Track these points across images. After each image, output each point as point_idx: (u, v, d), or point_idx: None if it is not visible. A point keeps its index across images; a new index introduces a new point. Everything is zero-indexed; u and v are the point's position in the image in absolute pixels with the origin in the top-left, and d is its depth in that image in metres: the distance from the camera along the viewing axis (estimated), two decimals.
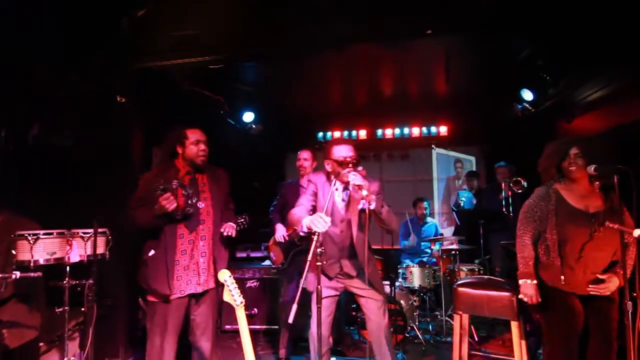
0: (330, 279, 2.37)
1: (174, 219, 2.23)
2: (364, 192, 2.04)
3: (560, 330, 2.10)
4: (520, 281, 2.17)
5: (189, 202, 2.25)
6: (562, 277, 2.06)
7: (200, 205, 2.33)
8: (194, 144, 2.35)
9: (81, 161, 3.15)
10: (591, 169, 1.95)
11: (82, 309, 2.21)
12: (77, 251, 2.07)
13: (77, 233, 2.09)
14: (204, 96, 4.28)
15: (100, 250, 2.18)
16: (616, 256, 2.01)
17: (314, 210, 2.36)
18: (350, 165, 2.22)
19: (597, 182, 2.10)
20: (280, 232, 3.23)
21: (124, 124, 3.41)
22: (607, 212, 2.02)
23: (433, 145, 6.21)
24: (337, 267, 2.37)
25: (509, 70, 4.21)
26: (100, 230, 2.16)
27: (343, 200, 2.37)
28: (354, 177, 2.10)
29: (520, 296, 2.18)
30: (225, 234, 2.37)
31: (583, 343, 2.11)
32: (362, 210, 2.24)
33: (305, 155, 3.32)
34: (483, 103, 5.22)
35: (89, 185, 3.10)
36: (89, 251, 2.12)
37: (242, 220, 2.59)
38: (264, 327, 3.93)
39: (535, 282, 2.13)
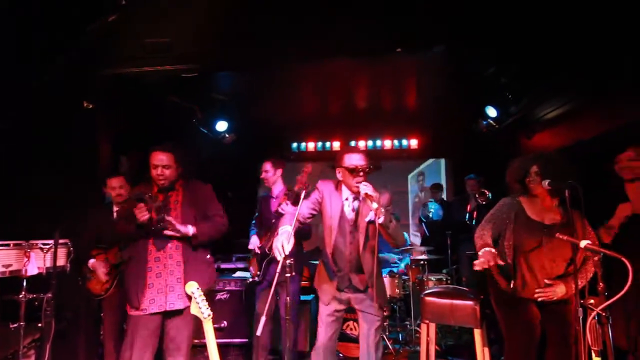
0: (340, 290, 2.34)
1: (150, 232, 2.24)
2: (375, 205, 2.00)
3: (518, 335, 2.19)
4: (480, 252, 2.18)
5: (161, 214, 2.24)
6: (512, 282, 2.16)
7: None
8: (153, 167, 2.34)
9: (43, 169, 3.02)
10: (545, 183, 2.08)
11: (39, 325, 2.10)
12: (36, 263, 1.98)
13: (36, 244, 2.02)
14: (176, 104, 4.23)
15: (61, 262, 2.10)
16: (572, 268, 2.14)
17: (311, 217, 2.36)
18: (362, 174, 2.18)
19: (557, 197, 2.23)
20: (253, 243, 3.21)
21: (91, 131, 3.31)
22: (563, 225, 2.15)
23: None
24: (347, 280, 2.33)
25: (475, 88, 4.42)
26: (61, 241, 2.09)
27: (353, 210, 2.31)
28: (365, 188, 2.06)
29: (475, 263, 2.11)
30: (167, 232, 2.29)
31: (541, 348, 2.21)
32: (370, 222, 2.22)
33: (267, 167, 3.30)
34: (452, 118, 5.44)
35: (50, 194, 2.97)
36: (49, 263, 2.03)
37: None
38: (234, 340, 3.85)
39: (493, 250, 2.16)
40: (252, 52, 3.37)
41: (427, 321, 2.70)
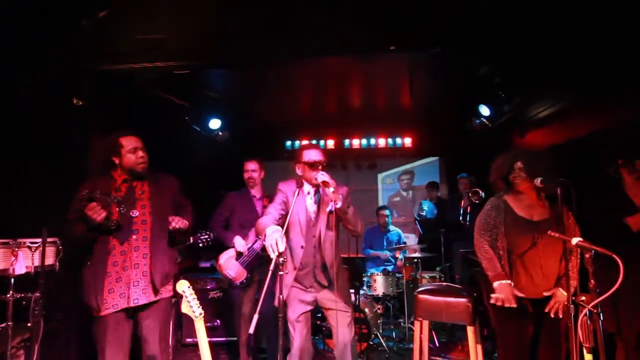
0: (306, 289, 2.36)
1: (107, 231, 2.14)
2: (331, 189, 2.10)
3: (511, 333, 2.21)
4: (495, 284, 2.16)
5: (120, 210, 2.14)
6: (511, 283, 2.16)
7: (134, 213, 2.22)
8: (131, 152, 2.26)
9: (31, 166, 2.97)
10: (537, 181, 2.09)
11: (28, 325, 2.06)
12: (23, 262, 1.95)
13: (24, 243, 1.98)
14: (169, 101, 4.19)
15: (50, 261, 2.06)
16: (563, 264, 2.16)
17: (283, 219, 2.35)
18: (320, 167, 2.29)
19: (543, 193, 2.25)
20: (241, 244, 3.06)
21: (81, 128, 3.25)
22: (552, 221, 2.17)
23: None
24: (312, 277, 2.36)
25: (469, 87, 4.44)
26: (49, 239, 2.05)
27: (315, 203, 2.40)
28: (322, 176, 2.17)
29: (493, 299, 2.14)
30: (175, 226, 2.32)
31: (533, 345, 2.22)
32: (330, 212, 2.32)
33: (252, 166, 3.23)
34: (445, 117, 5.46)
35: (39, 191, 2.92)
36: (37, 262, 1.99)
37: (206, 237, 2.53)
38: (227, 339, 3.83)
39: (509, 281, 2.15)
40: (246, 50, 3.34)
41: (421, 319, 2.71)
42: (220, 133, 4.99)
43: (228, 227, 3.21)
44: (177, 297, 2.11)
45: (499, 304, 2.13)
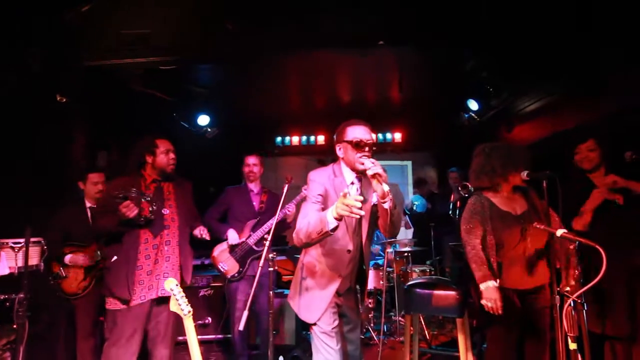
0: (339, 295, 1.97)
1: (137, 226, 2.27)
2: (386, 187, 1.70)
3: (499, 324, 2.23)
4: (482, 286, 2.14)
5: (151, 208, 2.30)
6: (498, 280, 2.18)
7: (165, 211, 2.38)
8: (164, 153, 2.42)
9: (13, 164, 2.91)
10: (524, 174, 2.12)
11: (14, 326, 2.03)
12: (6, 263, 1.91)
13: (7, 243, 1.94)
14: (156, 97, 4.13)
15: (34, 261, 2.03)
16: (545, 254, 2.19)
17: None
18: (367, 149, 1.87)
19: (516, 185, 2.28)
20: (234, 237, 3.08)
21: (65, 125, 3.19)
22: (531, 212, 2.22)
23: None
24: (348, 281, 1.99)
25: (458, 81, 4.46)
26: (33, 239, 2.01)
27: (359, 193, 1.94)
28: (375, 167, 1.73)
29: (482, 302, 2.13)
30: (199, 235, 2.58)
31: (521, 335, 2.26)
32: (374, 205, 1.92)
33: (254, 160, 3.23)
34: (435, 111, 5.48)
35: (22, 190, 2.86)
36: (20, 263, 1.96)
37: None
38: (219, 336, 3.82)
39: (496, 283, 2.13)
40: (233, 44, 3.30)
41: (411, 312, 2.73)
42: (209, 129, 4.95)
43: (225, 220, 3.23)
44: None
45: (488, 308, 2.12)
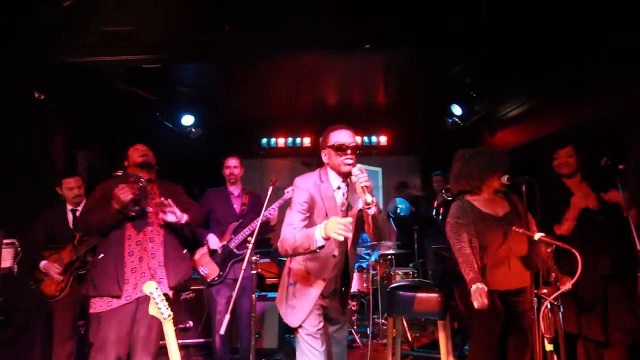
0: (324, 297, 1.99)
1: (129, 214, 2.26)
2: (369, 198, 1.72)
3: (482, 326, 2.27)
4: (473, 288, 2.15)
5: (143, 193, 2.31)
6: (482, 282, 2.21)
7: (149, 209, 2.37)
8: (132, 151, 2.50)
9: None
10: (504, 178, 2.16)
11: None
12: None
13: None
14: (139, 96, 4.05)
15: (7, 263, 1.97)
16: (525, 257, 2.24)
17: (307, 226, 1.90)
18: (349, 152, 1.89)
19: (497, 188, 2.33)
20: (214, 242, 3.05)
21: (43, 123, 3.10)
22: (512, 214, 2.27)
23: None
24: (334, 284, 2.01)
25: (442, 86, 4.53)
26: (6, 241, 1.95)
27: (346, 198, 1.97)
28: (361, 176, 1.76)
29: (475, 304, 2.14)
30: (161, 216, 2.38)
31: (503, 336, 2.30)
32: (360, 212, 1.96)
33: (234, 162, 3.20)
34: (420, 115, 5.55)
35: None
36: None
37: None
38: (200, 340, 3.76)
39: (484, 286, 2.15)
40: (219, 44, 3.27)
41: (394, 314, 2.75)
42: (194, 130, 4.87)
43: (207, 224, 3.18)
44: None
45: (478, 308, 2.13)
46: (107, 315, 2.18)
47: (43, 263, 2.60)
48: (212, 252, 3.07)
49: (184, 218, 2.40)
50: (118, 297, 2.17)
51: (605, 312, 2.25)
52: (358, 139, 2.03)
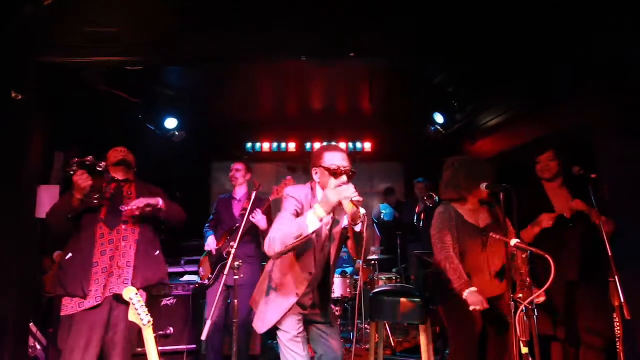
0: (305, 309, 1.99)
1: (92, 204, 2.20)
2: (362, 211, 1.74)
3: (462, 330, 2.31)
4: (465, 293, 2.19)
5: (106, 178, 2.26)
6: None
7: (123, 208, 2.33)
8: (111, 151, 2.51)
9: None
10: (483, 186, 2.22)
11: None
12: None
13: None
14: (120, 98, 3.98)
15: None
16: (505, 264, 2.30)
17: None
18: (343, 175, 1.90)
19: (482, 198, 2.39)
20: (210, 245, 3.15)
21: (19, 124, 3.01)
22: (494, 225, 2.33)
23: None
24: (311, 297, 2.01)
25: (425, 95, 4.62)
26: None
27: (331, 218, 1.99)
28: (353, 192, 1.75)
29: (471, 308, 2.17)
30: (131, 206, 2.31)
31: (483, 340, 2.35)
32: (344, 228, 1.97)
33: (238, 166, 3.32)
34: (403, 123, 5.64)
35: None
36: None
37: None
38: (181, 347, 3.69)
39: (475, 288, 2.19)
40: (204, 47, 3.25)
41: (376, 319, 2.77)
42: (177, 133, 4.81)
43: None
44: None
45: (477, 309, 2.18)
46: (78, 319, 2.12)
47: (57, 253, 2.63)
48: (209, 254, 3.17)
49: (159, 202, 2.35)
50: (84, 297, 2.13)
51: (574, 315, 2.34)
52: (343, 144, 2.07)
